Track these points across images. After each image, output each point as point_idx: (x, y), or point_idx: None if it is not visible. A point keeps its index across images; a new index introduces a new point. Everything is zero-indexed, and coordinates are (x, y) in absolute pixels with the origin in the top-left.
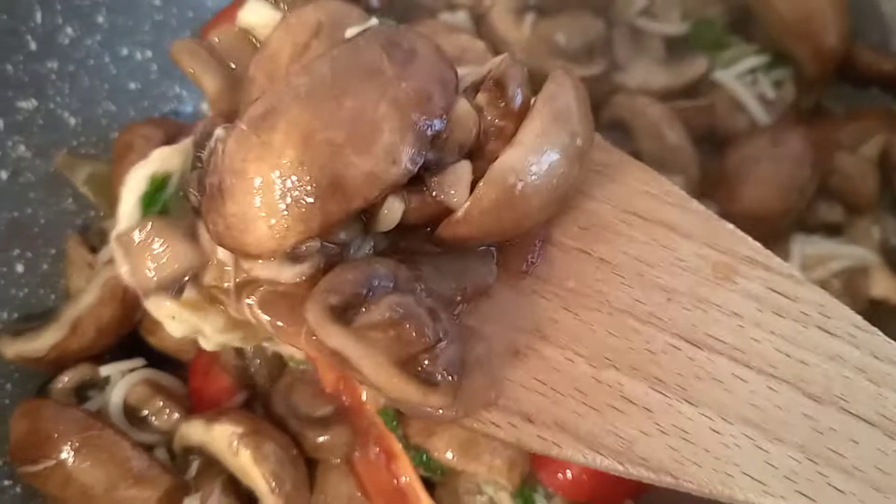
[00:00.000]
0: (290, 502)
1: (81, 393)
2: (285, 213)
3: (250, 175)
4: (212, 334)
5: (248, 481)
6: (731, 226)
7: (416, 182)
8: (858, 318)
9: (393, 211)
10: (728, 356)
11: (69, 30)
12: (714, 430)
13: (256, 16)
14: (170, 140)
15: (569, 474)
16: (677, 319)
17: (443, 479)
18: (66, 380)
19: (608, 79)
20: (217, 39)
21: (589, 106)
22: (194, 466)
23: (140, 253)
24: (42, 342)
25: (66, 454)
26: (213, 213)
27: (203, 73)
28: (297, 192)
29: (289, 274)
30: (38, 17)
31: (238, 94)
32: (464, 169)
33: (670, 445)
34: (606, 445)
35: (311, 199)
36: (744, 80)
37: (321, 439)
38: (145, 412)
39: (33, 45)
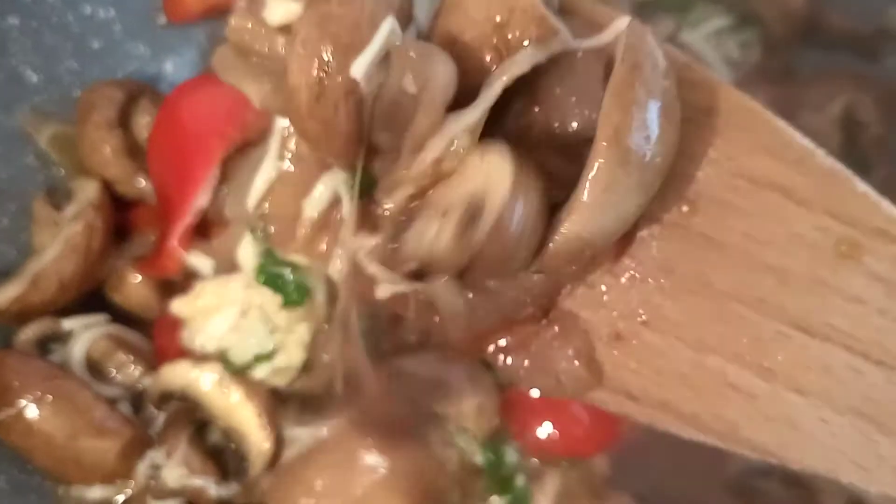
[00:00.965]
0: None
1: (45, 346)
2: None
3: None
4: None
5: (231, 422)
6: (862, 187)
7: None
8: None
9: None
10: (844, 346)
11: None
12: (822, 420)
13: (283, 13)
14: (132, 100)
15: (539, 433)
16: (789, 306)
17: None
18: (28, 332)
19: None
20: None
21: (674, 82)
22: (160, 420)
23: None
24: (3, 296)
25: (28, 403)
26: None
27: (242, 84)
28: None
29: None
30: None
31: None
32: None
33: (775, 431)
34: (710, 427)
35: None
36: (710, 42)
37: None
38: (108, 367)
39: None
